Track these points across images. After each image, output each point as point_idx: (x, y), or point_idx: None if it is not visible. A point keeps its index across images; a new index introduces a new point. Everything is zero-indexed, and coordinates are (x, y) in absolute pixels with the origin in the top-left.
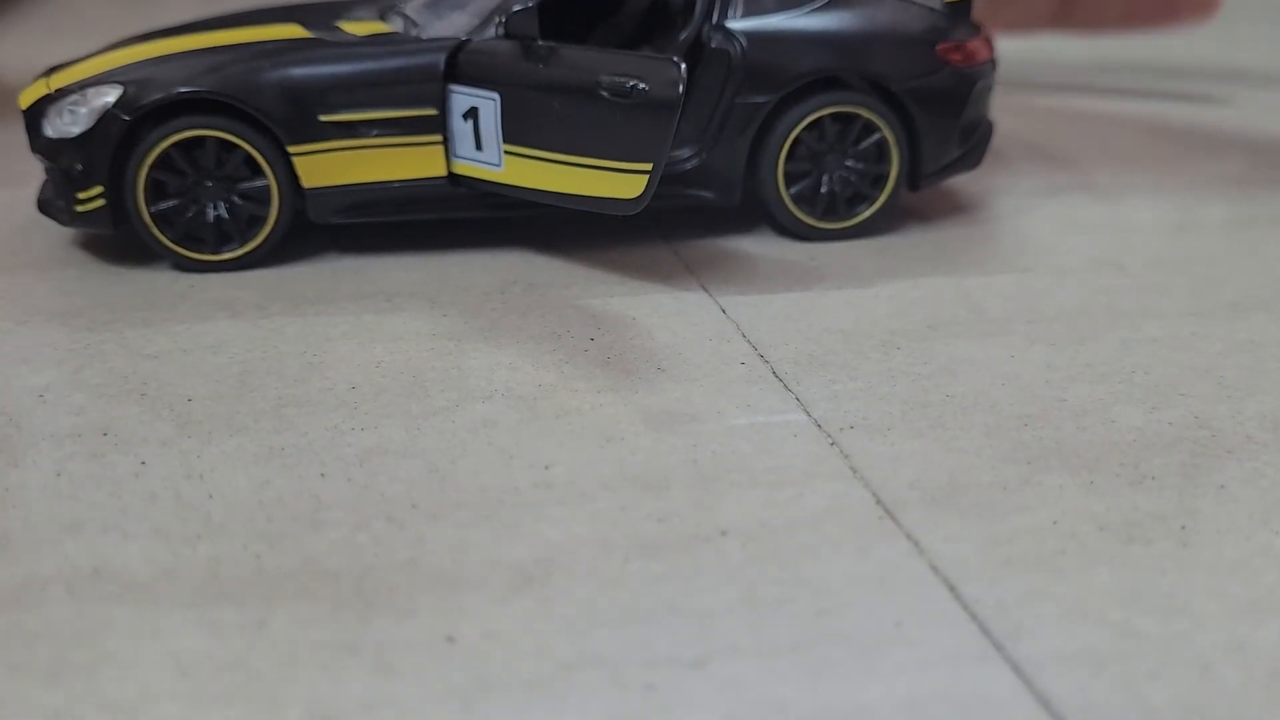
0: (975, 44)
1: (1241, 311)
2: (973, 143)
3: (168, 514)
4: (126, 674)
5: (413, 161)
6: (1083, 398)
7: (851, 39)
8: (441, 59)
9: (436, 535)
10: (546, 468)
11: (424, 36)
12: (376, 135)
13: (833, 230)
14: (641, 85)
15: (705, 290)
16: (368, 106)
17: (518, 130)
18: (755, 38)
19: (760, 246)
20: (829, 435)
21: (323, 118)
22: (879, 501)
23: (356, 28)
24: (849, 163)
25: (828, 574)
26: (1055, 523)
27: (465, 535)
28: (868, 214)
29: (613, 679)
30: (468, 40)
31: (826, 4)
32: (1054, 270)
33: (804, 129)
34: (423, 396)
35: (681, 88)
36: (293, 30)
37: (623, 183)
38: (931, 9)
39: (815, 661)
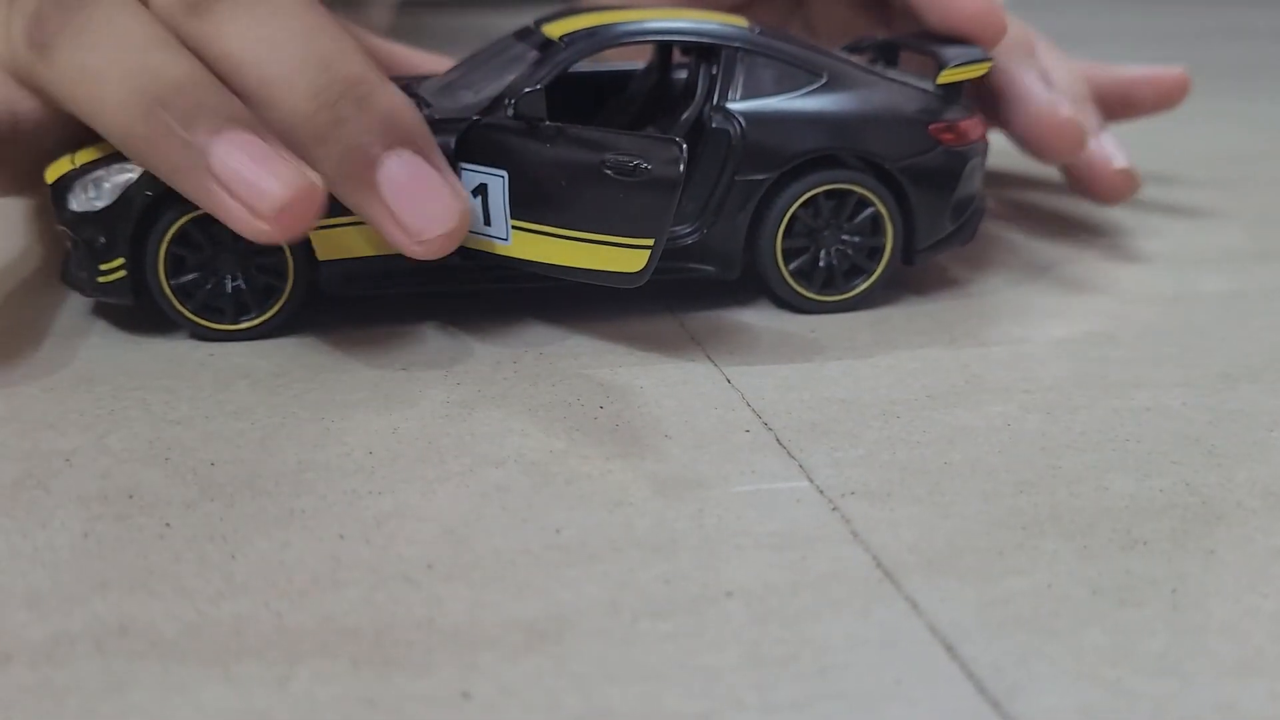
0: (967, 124)
1: (1232, 382)
2: (965, 218)
3: (192, 574)
4: None
5: None
6: (1076, 465)
7: (847, 119)
8: (452, 139)
9: (452, 595)
10: (558, 531)
11: (435, 117)
12: None
13: (831, 303)
14: (644, 164)
15: (710, 360)
16: None
17: (525, 206)
18: (754, 118)
19: (762, 319)
20: (831, 501)
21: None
22: (879, 565)
23: None
24: (845, 237)
25: (829, 634)
26: (1050, 585)
27: (480, 595)
28: (864, 287)
29: None
30: (478, 120)
31: (822, 86)
32: (1048, 341)
33: (801, 205)
34: (437, 462)
35: (682, 166)
36: None
37: (626, 257)
38: (924, 90)
39: (817, 717)
